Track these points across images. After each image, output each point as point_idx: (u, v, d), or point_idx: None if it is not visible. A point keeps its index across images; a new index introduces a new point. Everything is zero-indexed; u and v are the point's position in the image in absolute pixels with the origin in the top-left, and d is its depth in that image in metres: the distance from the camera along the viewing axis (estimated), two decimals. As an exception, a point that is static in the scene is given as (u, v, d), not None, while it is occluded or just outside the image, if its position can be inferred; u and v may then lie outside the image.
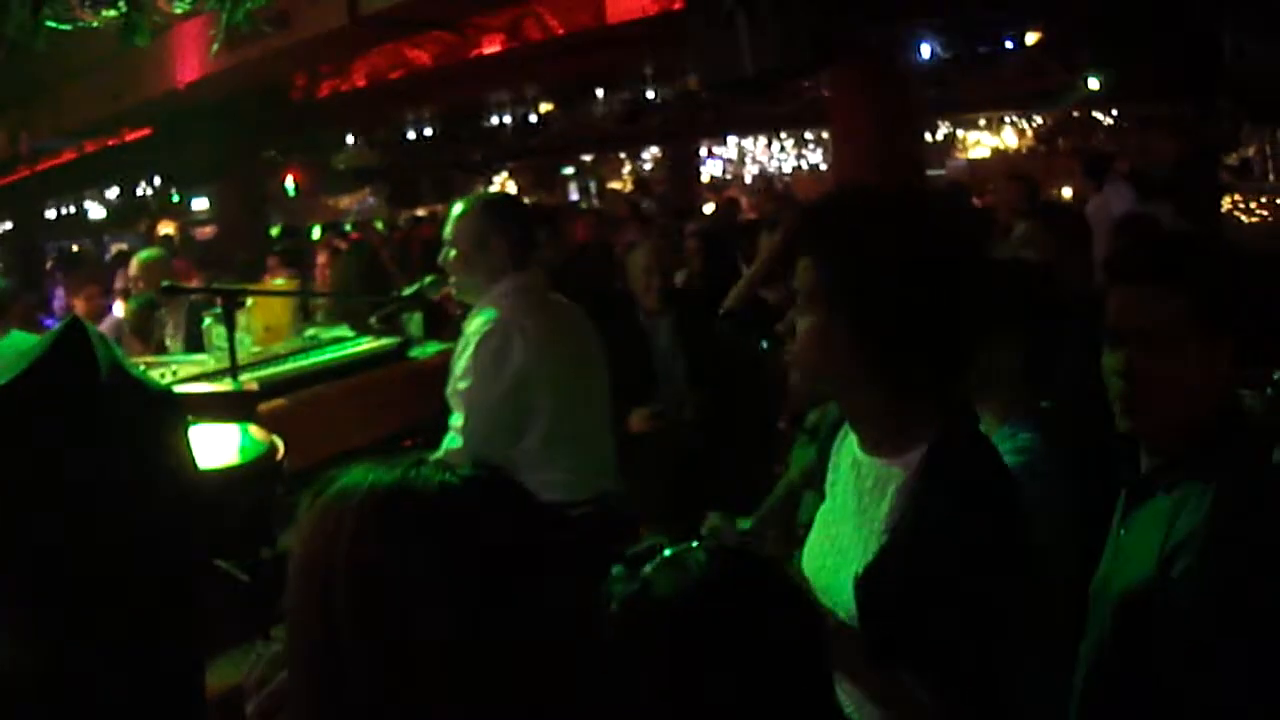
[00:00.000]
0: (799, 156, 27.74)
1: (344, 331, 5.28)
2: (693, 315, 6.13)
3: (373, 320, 5.25)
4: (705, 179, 25.55)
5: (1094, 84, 11.26)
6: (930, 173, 13.94)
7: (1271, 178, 14.96)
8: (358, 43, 11.42)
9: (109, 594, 1.37)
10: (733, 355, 5.99)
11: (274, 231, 15.67)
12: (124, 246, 18.43)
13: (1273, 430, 2.60)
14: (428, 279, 4.84)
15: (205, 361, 4.65)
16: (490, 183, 24.86)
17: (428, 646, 1.22)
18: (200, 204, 20.94)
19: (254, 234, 14.77)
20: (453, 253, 4.07)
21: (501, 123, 16.74)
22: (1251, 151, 15.65)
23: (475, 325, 3.92)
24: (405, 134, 17.62)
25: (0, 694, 1.34)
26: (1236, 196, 12.64)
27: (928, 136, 17.68)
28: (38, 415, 1.39)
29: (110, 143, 15.54)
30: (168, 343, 6.23)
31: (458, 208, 4.14)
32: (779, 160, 28.03)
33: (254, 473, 3.00)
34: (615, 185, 27.58)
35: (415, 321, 5.36)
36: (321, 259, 9.83)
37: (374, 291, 6.85)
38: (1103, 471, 2.45)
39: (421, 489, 1.29)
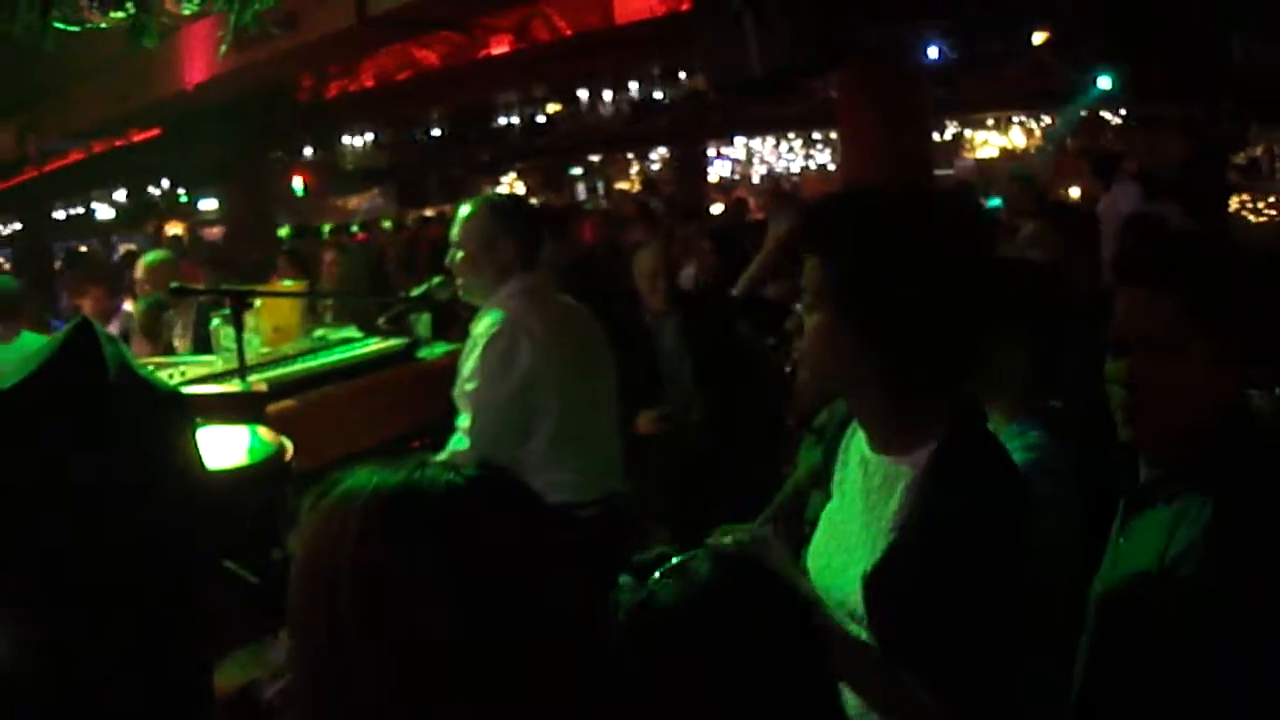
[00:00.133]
0: (807, 157, 27.77)
1: (352, 332, 5.28)
2: (699, 316, 6.13)
3: (381, 321, 5.25)
4: (714, 179, 25.57)
5: (1104, 83, 11.25)
6: (938, 173, 13.94)
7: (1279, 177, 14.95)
8: (365, 43, 11.42)
9: (116, 595, 1.37)
10: (739, 356, 6.00)
11: (283, 232, 15.69)
12: (132, 247, 18.50)
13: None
14: (435, 280, 4.85)
15: (214, 362, 4.65)
16: (498, 183, 24.90)
17: (433, 646, 1.22)
18: (208, 205, 20.96)
19: (262, 235, 14.78)
20: (459, 254, 4.07)
21: (509, 123, 16.78)
22: (1259, 151, 15.65)
23: (482, 326, 3.92)
24: (413, 134, 17.64)
25: (8, 695, 1.35)
26: (1244, 196, 12.62)
27: (935, 136, 17.66)
28: (45, 417, 1.39)
29: (118, 144, 15.56)
30: (176, 344, 6.24)
31: (464, 209, 4.15)
32: (787, 161, 28.06)
33: (263, 474, 3.00)
34: (623, 186, 27.60)
35: (423, 322, 5.36)
36: (329, 258, 9.85)
37: (374, 292, 6.85)
38: (1107, 473, 2.44)
39: (427, 489, 1.29)
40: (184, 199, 20.35)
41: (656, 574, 1.63)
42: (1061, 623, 2.29)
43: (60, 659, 1.34)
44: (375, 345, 5.01)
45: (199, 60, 11.18)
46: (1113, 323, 2.15)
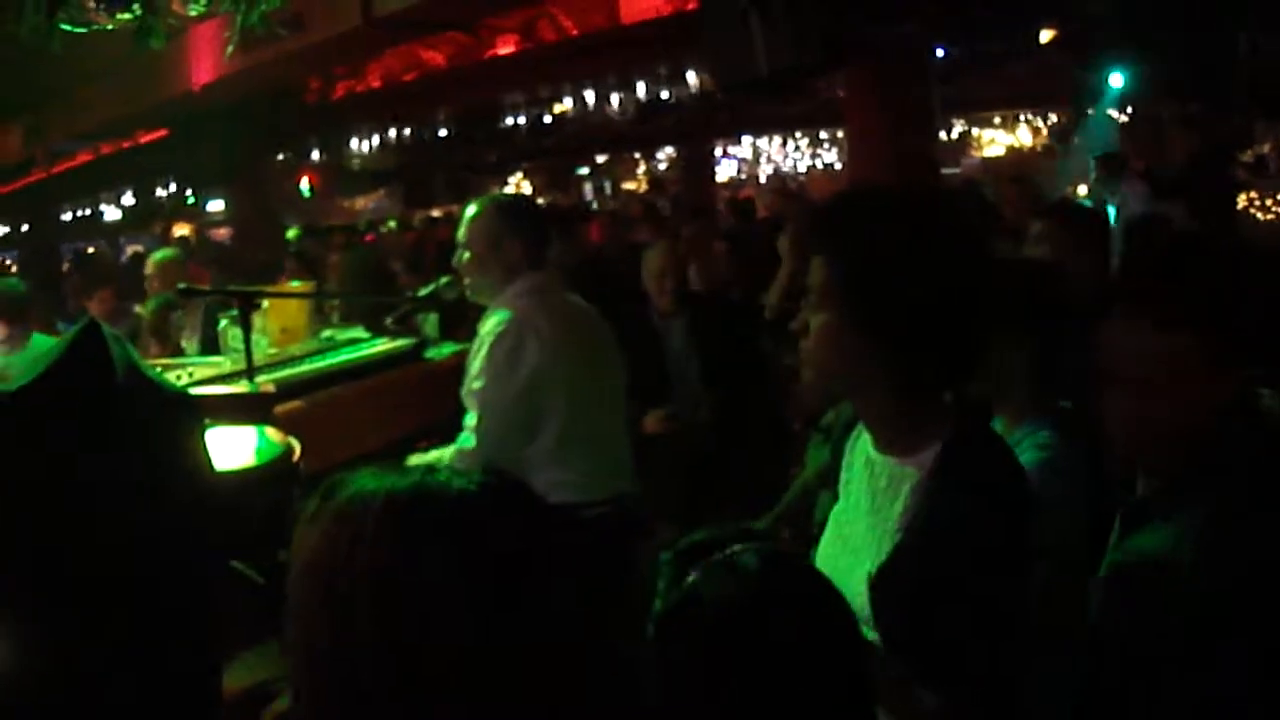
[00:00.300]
0: (814, 156, 27.75)
1: (359, 333, 5.28)
2: (706, 316, 6.13)
3: (388, 322, 5.25)
4: (723, 179, 25.56)
5: (1116, 81, 11.22)
6: (945, 171, 13.91)
7: (1287, 174, 14.93)
8: (372, 44, 11.42)
9: (123, 595, 1.38)
10: (747, 356, 6.00)
11: (291, 233, 15.69)
12: (140, 248, 18.51)
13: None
14: (443, 280, 4.85)
15: (221, 363, 4.66)
16: (505, 183, 24.90)
17: (442, 650, 1.22)
18: (215, 206, 20.96)
19: (269, 236, 14.80)
20: (467, 254, 4.07)
21: (516, 123, 16.76)
22: (1266, 148, 15.61)
23: (490, 326, 3.92)
24: (420, 135, 17.63)
25: (12, 694, 1.35)
26: (1252, 194, 12.59)
27: (942, 135, 17.65)
28: (53, 418, 1.40)
29: (125, 145, 15.59)
30: (184, 344, 6.25)
31: (471, 209, 4.15)
32: (794, 160, 28.04)
33: (270, 475, 3.00)
34: (630, 186, 27.60)
35: (430, 322, 5.37)
36: (334, 259, 9.85)
37: (381, 292, 6.85)
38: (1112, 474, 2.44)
39: (438, 494, 1.29)
40: (191, 200, 20.35)
41: (699, 566, 1.62)
42: (1072, 623, 2.29)
43: (63, 657, 1.34)
44: (383, 346, 5.01)
45: (206, 62, 11.19)
46: (1100, 355, 2.14)
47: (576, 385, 3.95)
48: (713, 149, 24.53)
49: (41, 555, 1.34)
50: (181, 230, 19.82)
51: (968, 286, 2.02)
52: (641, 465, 4.32)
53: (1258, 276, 2.16)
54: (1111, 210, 9.04)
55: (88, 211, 23.20)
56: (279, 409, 3.97)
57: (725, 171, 26.79)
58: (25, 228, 21.69)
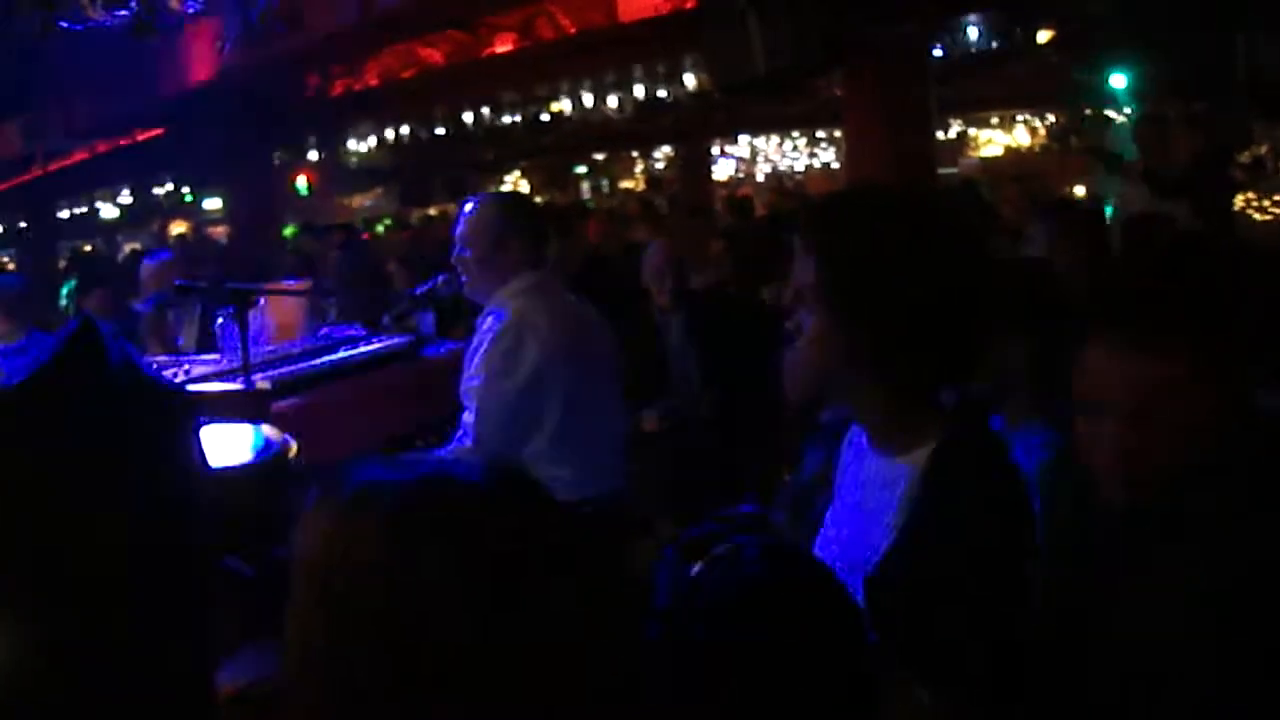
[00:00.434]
0: (811, 155, 27.77)
1: (356, 331, 5.29)
2: (705, 314, 6.13)
3: (385, 319, 5.25)
4: (721, 178, 25.57)
5: (1116, 81, 11.23)
6: (942, 171, 13.92)
7: (1285, 175, 14.92)
8: (370, 42, 11.43)
9: (116, 594, 1.37)
10: (745, 353, 5.99)
11: (288, 231, 15.68)
12: (137, 246, 18.50)
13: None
14: (440, 278, 4.85)
15: (218, 361, 4.66)
16: (502, 181, 24.90)
17: (440, 648, 1.22)
18: (213, 203, 20.97)
19: (266, 233, 14.79)
20: (465, 252, 4.07)
21: (513, 121, 16.75)
22: (1264, 149, 15.61)
23: (488, 323, 3.92)
24: (417, 133, 17.63)
25: (11, 694, 1.34)
26: (1249, 194, 12.58)
27: (939, 135, 17.66)
28: (46, 416, 1.39)
29: (122, 142, 15.58)
30: (181, 342, 6.24)
31: (469, 207, 4.14)
32: (791, 159, 28.06)
33: (266, 472, 3.00)
34: (627, 184, 27.59)
35: (428, 320, 5.37)
36: (331, 256, 9.86)
37: (377, 290, 6.86)
38: None
39: (437, 492, 1.28)
40: (188, 198, 20.35)
41: (702, 558, 1.61)
42: (1071, 623, 2.28)
43: (57, 658, 1.34)
44: (380, 343, 5.01)
45: (203, 59, 11.19)
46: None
47: (573, 383, 3.94)
48: (710, 148, 24.54)
49: (34, 553, 1.33)
50: (179, 228, 19.82)
51: (964, 286, 2.01)
52: (638, 462, 4.32)
53: (1257, 277, 2.14)
54: (1110, 210, 9.03)
55: (85, 209, 23.19)
56: (275, 406, 3.98)
57: (723, 171, 26.79)
58: (22, 226, 21.67)
